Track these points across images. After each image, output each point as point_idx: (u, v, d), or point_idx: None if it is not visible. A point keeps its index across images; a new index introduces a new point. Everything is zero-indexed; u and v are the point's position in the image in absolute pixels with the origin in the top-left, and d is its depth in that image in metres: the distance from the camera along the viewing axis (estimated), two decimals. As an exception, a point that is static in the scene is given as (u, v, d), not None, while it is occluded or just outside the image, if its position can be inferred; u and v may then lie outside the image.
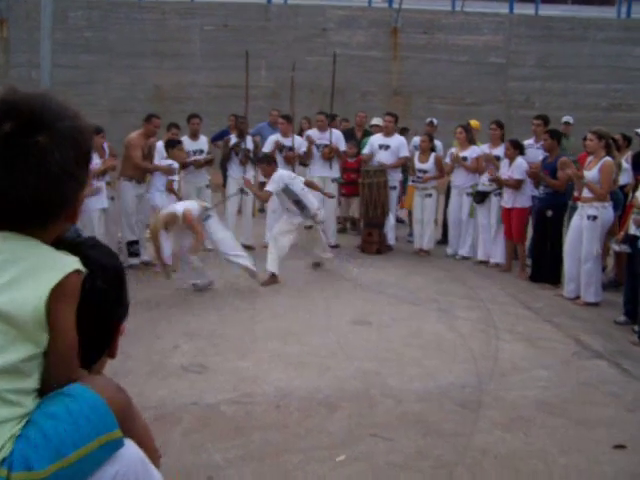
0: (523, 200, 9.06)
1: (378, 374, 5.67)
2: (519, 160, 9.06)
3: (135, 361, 5.83)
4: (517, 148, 9.17)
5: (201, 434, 4.57)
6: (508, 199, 9.18)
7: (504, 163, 9.32)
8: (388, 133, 10.59)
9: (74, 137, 1.64)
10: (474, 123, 11.18)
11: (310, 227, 9.06)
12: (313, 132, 10.82)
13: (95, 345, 1.81)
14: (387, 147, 10.49)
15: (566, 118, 12.03)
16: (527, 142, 9.61)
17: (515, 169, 9.02)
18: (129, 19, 16.60)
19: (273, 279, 8.50)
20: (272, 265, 8.52)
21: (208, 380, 5.49)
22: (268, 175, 8.67)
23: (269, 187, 8.59)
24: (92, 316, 1.72)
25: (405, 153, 10.56)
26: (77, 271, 1.63)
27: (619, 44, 17.71)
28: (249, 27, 16.75)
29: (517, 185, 9.02)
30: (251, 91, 15.54)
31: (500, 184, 9.24)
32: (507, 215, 9.21)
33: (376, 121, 11.73)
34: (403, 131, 11.53)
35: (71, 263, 1.63)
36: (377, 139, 10.64)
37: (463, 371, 5.77)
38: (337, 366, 5.83)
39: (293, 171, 10.30)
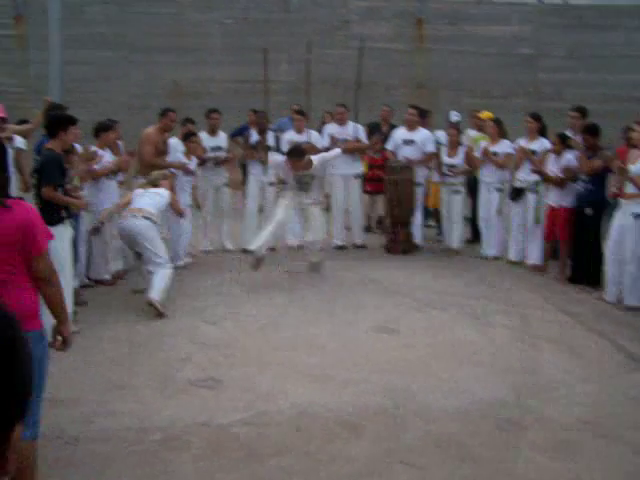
0: (571, 198, 8.45)
1: (407, 389, 5.18)
2: (567, 156, 8.40)
3: (141, 375, 5.41)
4: (564, 142, 8.55)
5: (211, 461, 4.11)
6: (556, 197, 8.56)
7: (551, 158, 8.74)
8: (411, 127, 10.04)
9: None
10: (486, 114, 10.58)
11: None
12: (332, 126, 10.29)
13: None
14: (411, 142, 9.94)
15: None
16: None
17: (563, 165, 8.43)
18: (146, 13, 16.16)
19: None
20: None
21: (220, 397, 5.03)
22: (302, 169, 8.31)
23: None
24: None
25: (431, 148, 10.01)
26: None
27: (653, 32, 17.02)
28: (269, 20, 16.27)
29: (563, 183, 8.42)
30: (272, 86, 15.11)
31: (546, 179, 8.61)
32: (552, 214, 8.62)
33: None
34: (423, 113, 10.73)
35: None
36: (400, 134, 10.10)
37: (500, 386, 5.26)
38: (362, 380, 5.34)
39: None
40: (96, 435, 4.40)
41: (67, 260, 5.98)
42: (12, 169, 8.77)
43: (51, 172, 5.96)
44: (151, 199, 7.30)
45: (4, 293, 3.24)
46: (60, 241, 5.74)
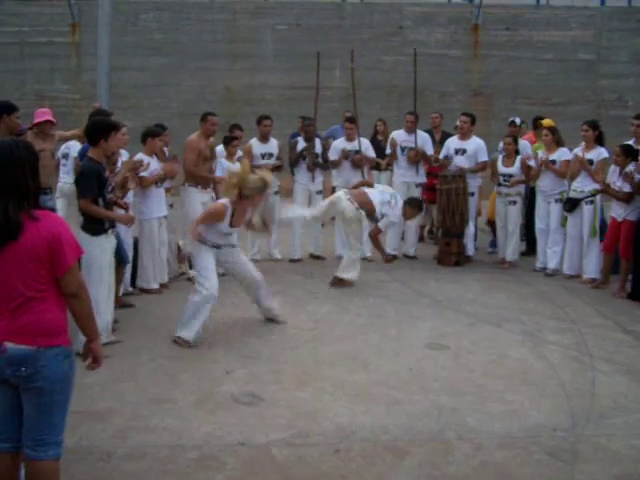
0: (636, 212, 8.08)
1: (455, 411, 4.93)
2: (631, 168, 8.01)
3: (182, 389, 5.28)
4: (630, 155, 8.14)
5: (245, 485, 3.94)
6: (620, 212, 8.19)
7: (613, 171, 8.38)
8: (464, 135, 9.76)
9: None
10: (547, 122, 10.22)
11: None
12: (399, 133, 10.08)
13: None
14: (464, 151, 9.66)
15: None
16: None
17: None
18: (200, 20, 16.20)
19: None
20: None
21: (260, 414, 4.86)
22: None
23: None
24: None
25: (484, 157, 9.71)
26: None
27: None
28: (322, 26, 16.15)
29: (629, 198, 8.06)
30: (325, 92, 14.98)
31: (607, 192, 8.27)
32: (615, 228, 8.25)
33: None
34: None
35: None
36: (453, 142, 9.83)
37: (554, 409, 4.97)
38: (408, 400, 5.12)
39: (362, 176, 9.64)
40: (129, 452, 4.27)
41: (107, 271, 5.87)
42: (71, 177, 8.79)
43: (87, 184, 5.75)
44: None
45: (31, 309, 3.14)
46: (101, 252, 5.66)
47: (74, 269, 3.20)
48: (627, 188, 8.01)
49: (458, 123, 10.11)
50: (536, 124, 10.43)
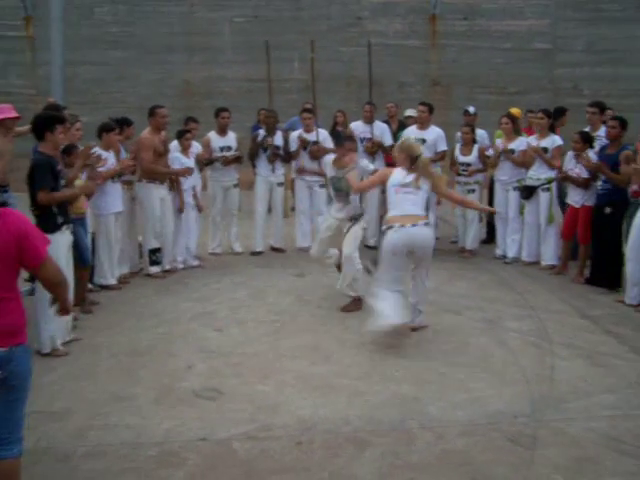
0: (593, 198, 8.14)
1: (417, 400, 4.95)
2: (590, 154, 8.07)
3: (142, 385, 5.22)
4: (587, 141, 8.22)
5: (206, 480, 3.90)
6: (577, 198, 8.26)
7: (569, 157, 8.45)
8: (423, 125, 9.76)
9: None
10: (515, 111, 10.28)
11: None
12: (357, 124, 10.03)
13: None
14: (423, 141, 9.64)
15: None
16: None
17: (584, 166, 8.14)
18: (156, 13, 15.97)
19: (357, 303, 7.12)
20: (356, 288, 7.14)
21: (222, 408, 4.82)
22: (348, 160, 7.01)
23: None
24: None
25: (443, 147, 9.70)
26: None
27: (674, 25, 16.61)
28: (280, 18, 16.04)
29: (587, 183, 8.12)
30: (284, 84, 14.94)
31: (565, 179, 8.32)
32: (573, 214, 8.32)
33: (410, 112, 10.93)
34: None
35: None
36: (412, 132, 9.81)
37: (514, 396, 5.01)
38: (370, 390, 5.12)
39: (319, 167, 9.61)
40: (89, 451, 4.20)
41: (63, 268, 5.76)
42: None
43: (42, 176, 5.65)
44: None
45: (3, 310, 3.18)
46: (57, 249, 5.55)
47: (49, 258, 3.24)
48: (585, 174, 8.09)
49: (415, 113, 10.13)
50: (558, 113, 9.90)
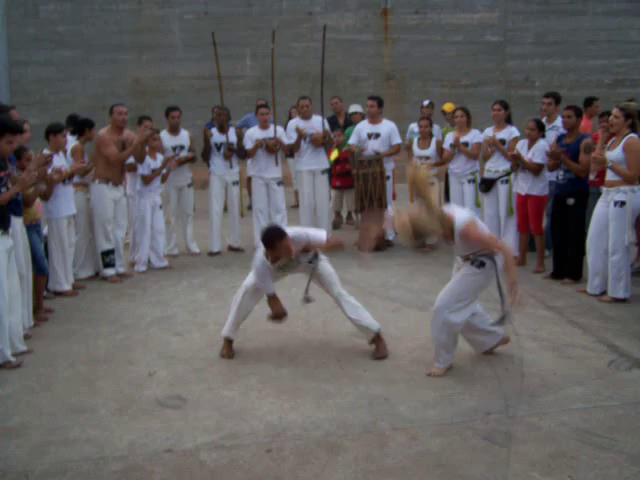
0: (540, 187, 8.19)
1: (387, 400, 4.84)
2: (541, 142, 8.15)
3: (102, 395, 5.01)
4: (541, 129, 8.29)
5: (174, 494, 3.74)
6: (524, 185, 8.29)
7: (522, 144, 8.43)
8: (374, 119, 9.66)
9: None
10: (448, 106, 10.35)
11: None
12: (297, 120, 9.85)
13: None
14: (377, 135, 9.55)
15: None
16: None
17: (537, 152, 8.12)
18: (104, 10, 15.67)
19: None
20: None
21: (186, 417, 4.64)
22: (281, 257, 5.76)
23: None
24: None
25: (397, 140, 9.63)
26: None
27: (621, 16, 16.86)
28: (231, 14, 15.85)
29: (538, 170, 8.14)
30: (237, 81, 14.75)
31: (523, 164, 8.27)
32: (522, 203, 8.34)
33: (355, 108, 10.85)
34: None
35: None
36: (364, 127, 9.71)
37: (485, 392, 4.93)
38: (338, 392, 5.00)
39: (276, 162, 9.47)
40: (48, 468, 3.99)
41: (3, 275, 5.46)
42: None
43: None
44: None
45: None
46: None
47: None
48: (538, 159, 8.09)
49: (360, 109, 10.10)
50: (588, 104, 9.62)
